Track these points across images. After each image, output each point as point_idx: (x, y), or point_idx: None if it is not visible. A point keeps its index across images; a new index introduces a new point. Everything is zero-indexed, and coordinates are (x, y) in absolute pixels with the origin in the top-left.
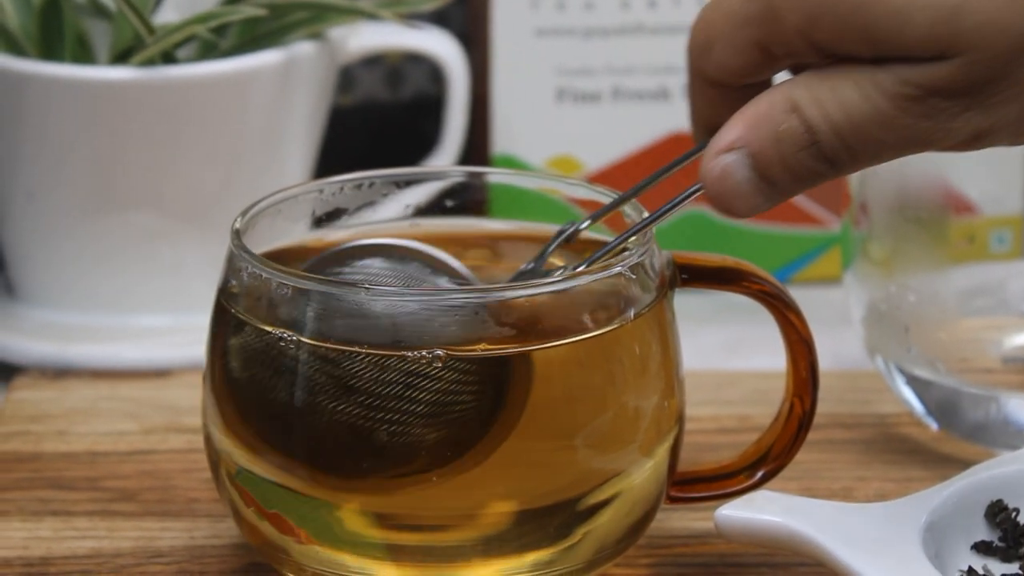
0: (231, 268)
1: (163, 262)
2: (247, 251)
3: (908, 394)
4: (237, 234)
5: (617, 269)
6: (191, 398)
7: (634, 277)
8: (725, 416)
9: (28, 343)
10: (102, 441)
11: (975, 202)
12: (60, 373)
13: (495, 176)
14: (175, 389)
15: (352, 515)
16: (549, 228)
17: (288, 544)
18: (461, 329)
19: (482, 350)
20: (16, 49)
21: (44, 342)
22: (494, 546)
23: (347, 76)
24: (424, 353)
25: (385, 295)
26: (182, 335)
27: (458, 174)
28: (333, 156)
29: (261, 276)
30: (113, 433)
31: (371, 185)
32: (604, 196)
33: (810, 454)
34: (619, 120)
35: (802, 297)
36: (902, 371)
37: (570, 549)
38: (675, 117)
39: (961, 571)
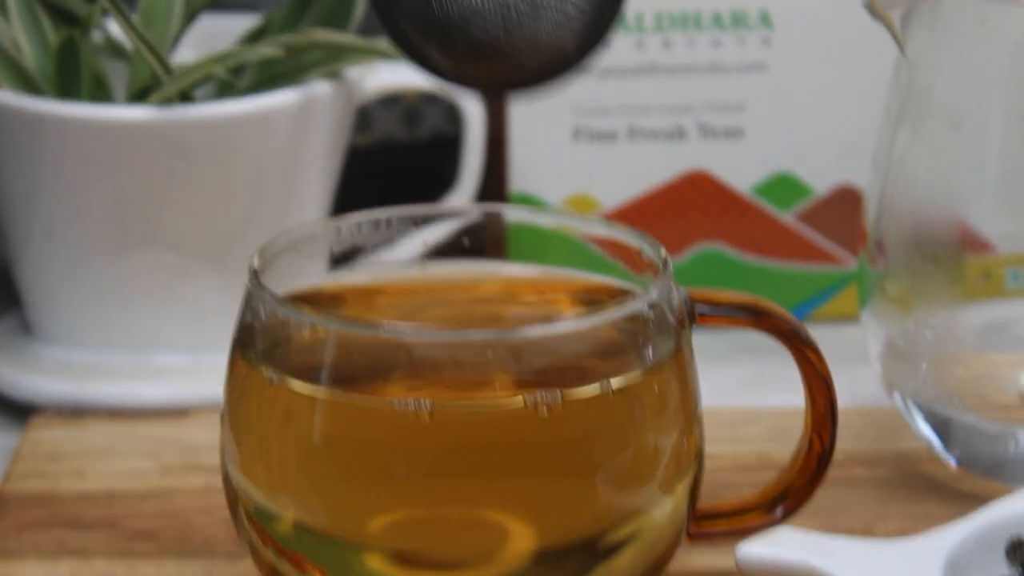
0: (249, 307)
1: (181, 300)
2: (265, 289)
3: (926, 430)
4: (255, 273)
5: (635, 307)
6: (209, 437)
7: (652, 315)
8: (744, 454)
9: (45, 382)
10: (120, 480)
11: (991, 240)
12: (77, 412)
13: (512, 213)
14: (193, 428)
15: (371, 554)
16: (559, 273)
17: None
18: (479, 370)
19: (503, 394)
20: (33, 88)
21: (61, 381)
22: None
23: (364, 115)
24: (428, 404)
25: (402, 334)
26: (200, 373)
27: (475, 212)
28: (350, 195)
29: (279, 315)
30: (131, 472)
31: (388, 223)
32: (623, 235)
33: (829, 491)
34: (635, 159)
35: (819, 335)
36: (920, 407)
37: None
38: (691, 156)
39: None
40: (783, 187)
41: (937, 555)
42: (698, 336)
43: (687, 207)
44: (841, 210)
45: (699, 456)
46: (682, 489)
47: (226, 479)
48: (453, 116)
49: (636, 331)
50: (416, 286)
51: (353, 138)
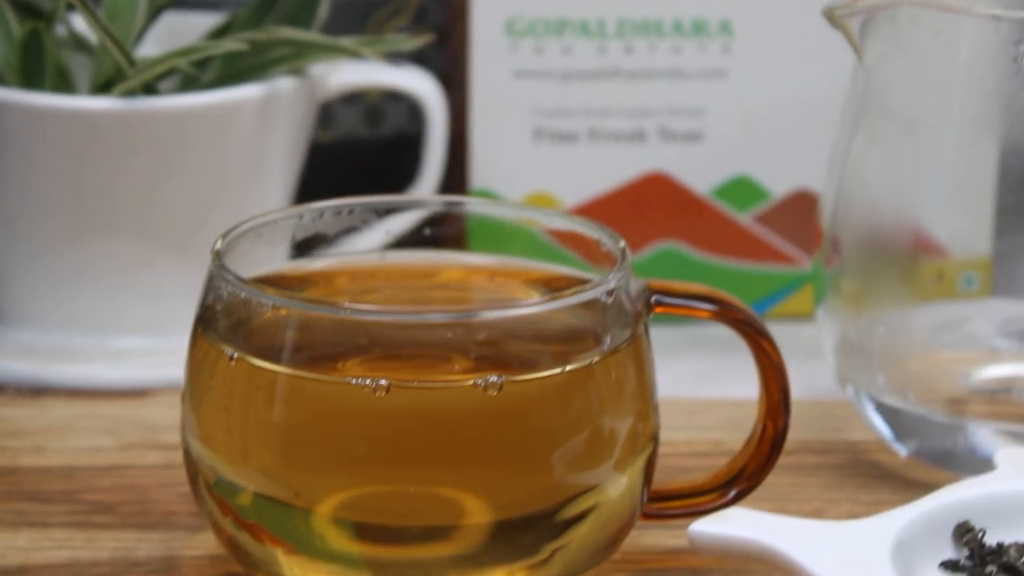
0: (211, 287)
1: (143, 287)
2: (227, 270)
3: (878, 421)
4: (218, 255)
5: (594, 294)
6: (169, 416)
7: (610, 302)
8: (699, 441)
9: (5, 362)
10: (79, 456)
11: (944, 244)
12: (37, 392)
13: (474, 206)
14: (153, 408)
15: (329, 528)
16: (519, 262)
17: (267, 555)
18: (437, 351)
19: (458, 375)
20: None
21: (21, 361)
22: (472, 560)
23: (327, 113)
24: (384, 382)
25: (361, 315)
26: (160, 356)
27: (437, 203)
28: (312, 192)
29: (240, 295)
30: (90, 449)
31: (351, 212)
32: (582, 227)
33: (781, 477)
34: (596, 160)
35: (775, 332)
36: (872, 399)
37: (547, 562)
38: (650, 158)
39: None
40: (741, 190)
41: (885, 536)
42: (656, 331)
43: (646, 207)
44: (797, 213)
45: (654, 438)
46: (637, 468)
47: (186, 452)
48: (415, 115)
49: (594, 317)
50: (376, 272)
51: (315, 135)
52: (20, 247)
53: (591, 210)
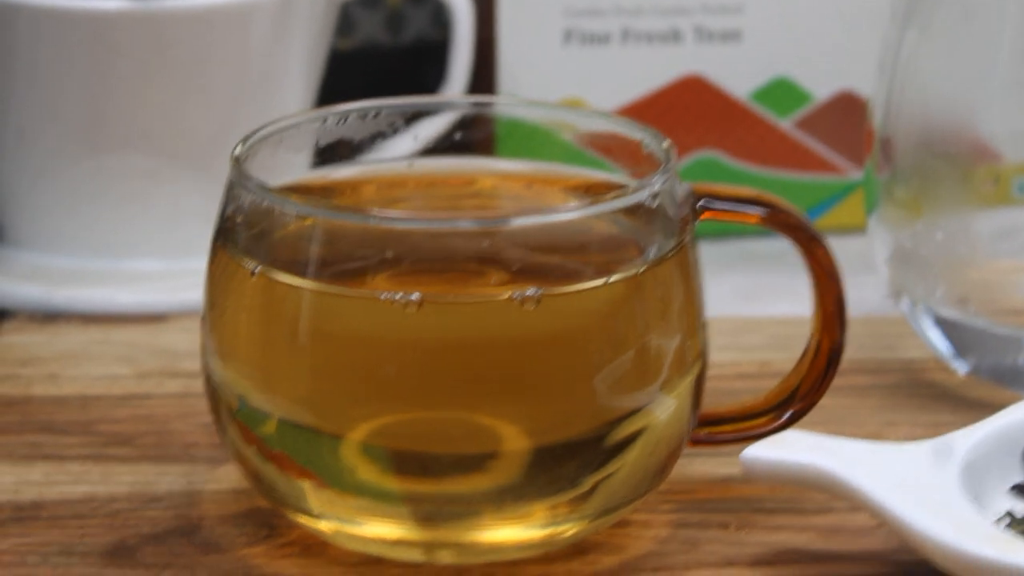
0: (231, 197)
1: (158, 204)
2: (249, 177)
3: (935, 336)
4: (237, 160)
5: (637, 197)
6: (188, 342)
7: (655, 206)
8: (745, 362)
9: (16, 286)
10: (94, 385)
11: (1001, 143)
12: (50, 317)
13: (506, 107)
14: (171, 334)
15: (360, 456)
16: (555, 168)
17: (294, 489)
18: (471, 262)
19: (493, 288)
20: None
21: (33, 285)
22: (511, 492)
23: (346, 19)
24: (416, 297)
25: (391, 222)
26: (178, 279)
27: (467, 104)
28: (332, 101)
29: (262, 204)
30: (106, 377)
31: (376, 115)
32: (622, 127)
33: (835, 399)
34: (629, 62)
35: None
36: (930, 312)
37: (590, 494)
38: (686, 60)
39: (1000, 514)
40: (782, 93)
41: (953, 458)
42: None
43: (683, 113)
44: (841, 117)
45: (702, 356)
46: (685, 389)
47: (207, 379)
48: (438, 20)
49: (638, 225)
50: (405, 181)
51: (335, 43)
52: (30, 162)
53: (626, 116)
